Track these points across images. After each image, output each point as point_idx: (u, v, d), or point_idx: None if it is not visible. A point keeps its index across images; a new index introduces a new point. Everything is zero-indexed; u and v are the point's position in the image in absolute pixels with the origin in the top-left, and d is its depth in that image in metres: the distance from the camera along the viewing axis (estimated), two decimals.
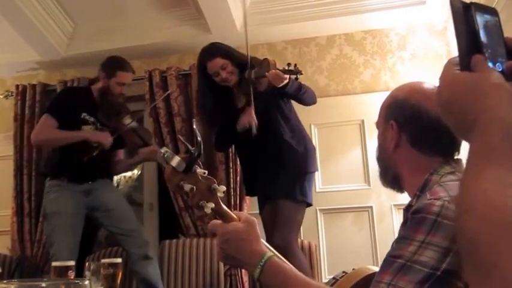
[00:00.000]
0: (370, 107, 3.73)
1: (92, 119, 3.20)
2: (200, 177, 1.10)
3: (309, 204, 2.91)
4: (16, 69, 4.52)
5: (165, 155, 1.09)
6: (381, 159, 1.31)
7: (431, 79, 3.48)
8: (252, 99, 2.78)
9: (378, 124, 1.32)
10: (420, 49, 3.88)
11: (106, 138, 3.11)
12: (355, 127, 3.82)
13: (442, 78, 0.74)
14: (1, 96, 4.43)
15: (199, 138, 1.09)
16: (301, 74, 2.69)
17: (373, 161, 3.64)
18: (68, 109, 3.19)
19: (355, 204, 3.72)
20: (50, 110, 3.22)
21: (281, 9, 3.85)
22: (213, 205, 1.09)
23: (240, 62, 2.89)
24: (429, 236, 0.92)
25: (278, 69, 2.71)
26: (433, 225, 0.93)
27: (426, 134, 1.20)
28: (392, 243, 1.04)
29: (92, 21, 4.18)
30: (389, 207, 3.65)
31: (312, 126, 3.83)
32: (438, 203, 0.96)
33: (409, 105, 1.22)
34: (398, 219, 3.60)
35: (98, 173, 3.24)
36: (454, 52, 3.59)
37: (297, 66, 2.69)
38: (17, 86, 4.35)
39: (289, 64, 2.70)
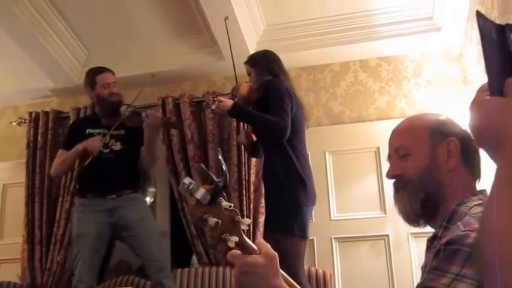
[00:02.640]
0: (385, 134, 3.63)
1: (96, 131, 3.21)
2: (224, 209, 1.05)
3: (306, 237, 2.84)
4: (29, 96, 4.55)
5: (190, 186, 1.03)
6: (430, 181, 1.21)
7: (447, 105, 3.41)
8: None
9: (410, 146, 1.26)
10: (436, 75, 3.85)
11: (91, 143, 3.08)
12: (371, 154, 3.76)
13: (473, 104, 0.74)
14: (14, 123, 4.44)
15: (224, 168, 1.05)
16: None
17: (389, 188, 3.60)
18: (74, 135, 3.27)
19: (370, 232, 3.65)
20: (61, 144, 3.40)
21: (295, 36, 3.85)
22: (237, 239, 1.04)
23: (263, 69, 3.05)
24: (464, 268, 0.90)
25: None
26: (468, 257, 0.91)
27: (476, 154, 1.22)
28: (423, 273, 0.99)
29: (106, 49, 4.20)
30: (406, 236, 3.57)
31: (327, 154, 3.79)
32: (473, 234, 0.94)
33: (459, 125, 1.25)
34: (415, 248, 3.52)
35: (120, 183, 3.13)
36: (471, 78, 3.55)
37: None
38: (30, 113, 4.36)
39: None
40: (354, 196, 3.73)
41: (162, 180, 4.23)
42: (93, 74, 3.28)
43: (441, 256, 0.95)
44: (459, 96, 3.71)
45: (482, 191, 1.19)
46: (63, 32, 4.04)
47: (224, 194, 1.06)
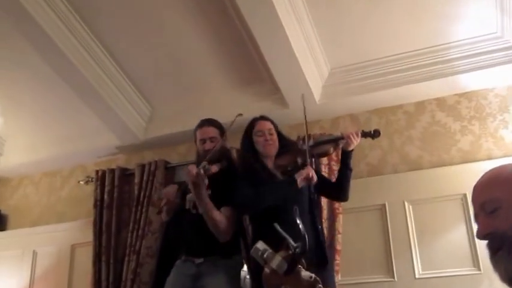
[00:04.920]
0: (472, 178, 3.26)
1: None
2: (302, 278, 0.95)
3: None
4: (96, 155, 4.59)
5: (265, 255, 0.97)
6: None
7: None
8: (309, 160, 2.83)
9: (498, 198, 1.08)
10: None
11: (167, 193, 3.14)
12: (457, 202, 3.36)
13: None
14: (82, 182, 4.46)
15: (302, 231, 0.97)
16: (379, 134, 2.88)
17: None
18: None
19: None
20: None
21: (362, 77, 3.61)
22: None
23: (284, 140, 3.07)
24: None
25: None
26: None
27: None
28: None
29: (169, 104, 4.18)
30: None
31: (406, 204, 3.44)
32: None
33: None
34: None
35: (208, 247, 2.85)
36: None
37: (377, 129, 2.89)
38: (97, 172, 4.38)
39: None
40: (440, 250, 3.31)
41: None
42: (195, 129, 3.22)
43: None
44: None
45: None
46: (127, 90, 4.07)
47: (303, 261, 0.98)
